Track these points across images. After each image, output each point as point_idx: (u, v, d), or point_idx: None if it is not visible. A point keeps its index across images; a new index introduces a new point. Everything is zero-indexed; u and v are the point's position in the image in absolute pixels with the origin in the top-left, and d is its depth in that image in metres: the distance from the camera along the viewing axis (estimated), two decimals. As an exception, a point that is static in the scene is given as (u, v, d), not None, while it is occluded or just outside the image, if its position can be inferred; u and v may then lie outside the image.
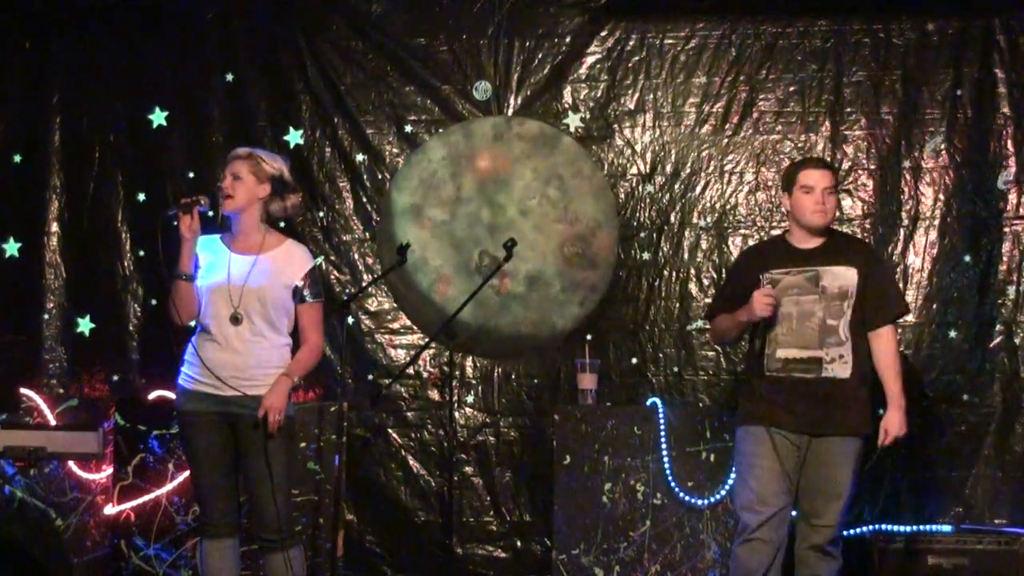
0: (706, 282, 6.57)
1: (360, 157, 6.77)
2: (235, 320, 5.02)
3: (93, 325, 6.78)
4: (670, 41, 6.65)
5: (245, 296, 5.02)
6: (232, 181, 5.07)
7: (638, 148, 6.66)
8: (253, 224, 5.12)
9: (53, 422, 6.51)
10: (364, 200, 6.76)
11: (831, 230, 5.32)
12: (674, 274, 6.61)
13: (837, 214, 5.52)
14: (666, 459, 6.00)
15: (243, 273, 5.05)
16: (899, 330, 6.40)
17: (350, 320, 6.60)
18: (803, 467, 5.15)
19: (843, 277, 5.17)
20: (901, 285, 6.43)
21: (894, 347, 5.25)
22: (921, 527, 6.03)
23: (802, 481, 5.16)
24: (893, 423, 5.14)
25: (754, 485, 5.13)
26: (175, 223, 5.09)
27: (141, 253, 6.77)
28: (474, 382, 6.68)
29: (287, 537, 5.04)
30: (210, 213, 5.10)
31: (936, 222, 6.47)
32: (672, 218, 6.63)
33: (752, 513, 5.12)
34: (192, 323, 5.15)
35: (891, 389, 5.18)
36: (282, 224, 5.27)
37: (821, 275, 5.18)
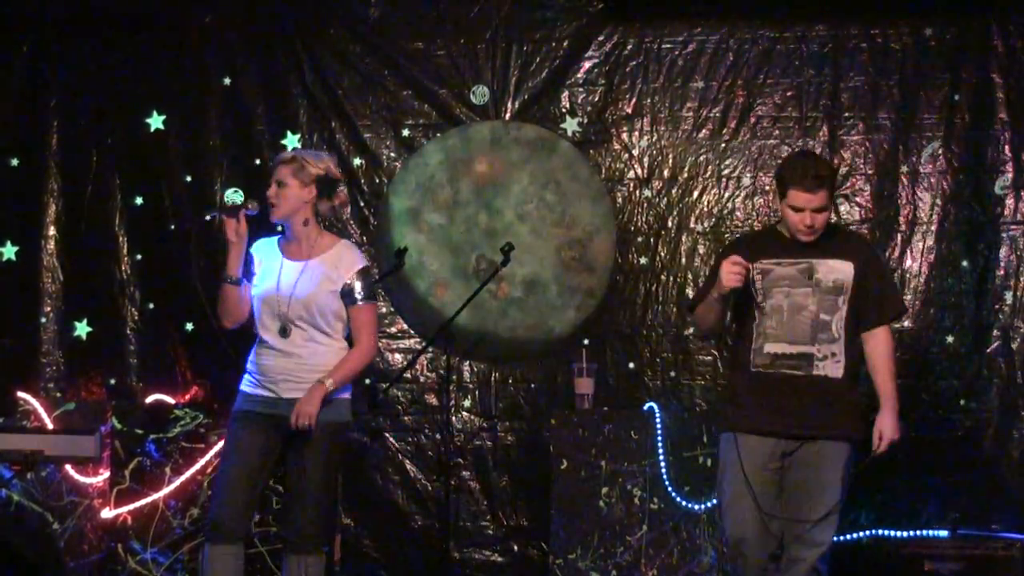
0: (704, 287, 6.56)
1: (357, 161, 6.77)
2: (283, 332, 5.01)
3: (90, 329, 6.77)
4: (668, 46, 6.65)
5: (292, 305, 5.00)
6: (277, 189, 5.05)
7: (635, 152, 6.66)
8: (303, 228, 5.09)
9: (50, 426, 6.49)
10: (361, 204, 6.75)
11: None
12: (671, 279, 6.60)
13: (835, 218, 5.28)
14: (663, 464, 6.00)
15: (291, 282, 5.02)
16: (896, 335, 6.44)
17: (347, 324, 6.59)
18: (787, 473, 4.83)
19: (839, 271, 4.83)
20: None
21: (890, 347, 4.93)
22: (918, 532, 6.03)
23: (787, 487, 4.83)
24: (888, 426, 4.81)
25: (727, 497, 4.89)
26: (212, 226, 5.05)
27: (138, 257, 6.77)
28: (471, 386, 6.67)
29: (309, 543, 4.99)
30: (247, 213, 5.05)
31: (933, 227, 6.46)
32: (669, 223, 6.62)
33: (729, 523, 4.89)
34: (235, 327, 5.12)
35: (885, 391, 4.85)
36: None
37: (815, 267, 4.83)
